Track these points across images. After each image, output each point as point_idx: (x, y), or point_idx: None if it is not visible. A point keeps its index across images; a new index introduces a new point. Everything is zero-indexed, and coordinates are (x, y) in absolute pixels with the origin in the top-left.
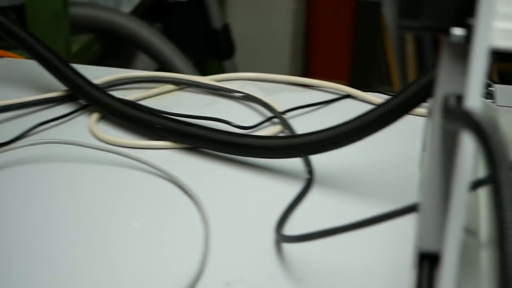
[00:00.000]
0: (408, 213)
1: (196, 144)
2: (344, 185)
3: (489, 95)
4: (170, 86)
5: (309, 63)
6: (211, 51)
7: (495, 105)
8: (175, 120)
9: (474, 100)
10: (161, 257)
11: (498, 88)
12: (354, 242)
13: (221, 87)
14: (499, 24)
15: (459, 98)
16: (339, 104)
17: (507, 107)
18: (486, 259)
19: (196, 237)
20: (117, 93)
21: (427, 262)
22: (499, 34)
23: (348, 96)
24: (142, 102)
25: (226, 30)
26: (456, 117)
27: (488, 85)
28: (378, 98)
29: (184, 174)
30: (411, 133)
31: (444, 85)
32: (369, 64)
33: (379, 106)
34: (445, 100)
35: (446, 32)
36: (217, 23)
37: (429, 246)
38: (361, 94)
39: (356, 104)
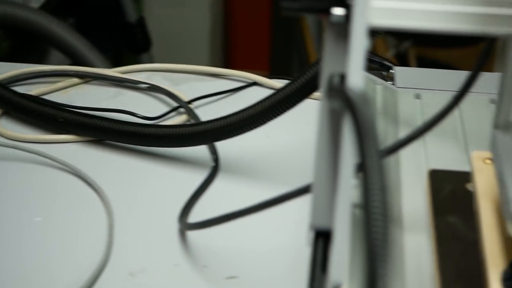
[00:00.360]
0: (303, 194)
1: (100, 136)
2: (249, 171)
3: (389, 77)
4: (75, 80)
5: (230, 54)
6: (127, 45)
7: (395, 87)
8: (78, 113)
9: (355, 78)
10: (64, 250)
11: (397, 70)
12: (257, 226)
13: (126, 78)
14: (377, 3)
15: (343, 77)
16: (246, 92)
17: (406, 88)
18: None
19: (100, 229)
20: (21, 88)
21: (322, 239)
22: (378, 12)
23: (254, 83)
24: (47, 97)
25: (141, 23)
26: (336, 95)
27: (389, 68)
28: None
29: (89, 166)
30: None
31: (329, 65)
32: (289, 52)
33: (279, 90)
34: (330, 79)
35: (327, 12)
36: (131, 17)
37: (322, 224)
38: (268, 81)
39: (263, 91)
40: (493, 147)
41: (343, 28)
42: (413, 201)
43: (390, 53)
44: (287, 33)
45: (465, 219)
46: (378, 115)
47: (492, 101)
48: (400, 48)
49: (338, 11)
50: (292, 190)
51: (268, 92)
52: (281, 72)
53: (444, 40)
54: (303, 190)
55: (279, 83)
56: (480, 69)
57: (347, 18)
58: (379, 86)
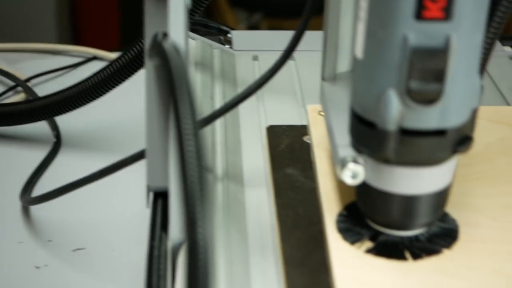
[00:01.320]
0: (140, 159)
1: None
2: (93, 144)
3: (227, 41)
4: None
5: (80, 34)
6: None
7: (232, 50)
8: None
9: (176, 35)
10: None
11: (234, 34)
12: (101, 196)
13: None
14: None
15: (165, 35)
16: (87, 67)
17: (244, 51)
18: (221, 192)
19: None
20: None
21: (161, 200)
22: None
23: (94, 58)
24: None
25: None
26: (154, 51)
27: (226, 32)
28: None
29: None
30: None
31: (151, 26)
32: (139, 28)
33: (112, 62)
34: (153, 39)
35: None
36: None
37: (160, 185)
38: (107, 55)
39: (103, 65)
40: (322, 98)
41: None
42: (253, 158)
43: (241, 26)
44: (137, 10)
45: (303, 169)
46: (217, 78)
47: None
48: (252, 20)
49: None
50: (128, 156)
51: None
52: None
53: (294, 10)
54: (140, 155)
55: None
56: (305, 28)
57: None
58: (216, 50)
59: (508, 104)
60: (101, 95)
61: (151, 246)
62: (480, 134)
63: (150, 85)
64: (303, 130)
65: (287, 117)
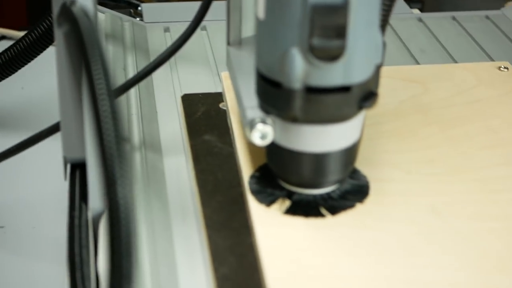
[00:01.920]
0: (55, 132)
1: None
2: (5, 124)
3: (137, 14)
4: None
5: None
6: None
7: (143, 23)
8: None
9: (84, 1)
10: None
11: (144, 7)
12: (18, 174)
13: None
14: None
15: (73, 2)
16: None
17: (155, 23)
18: (139, 161)
19: None
20: None
21: (79, 171)
22: None
23: (3, 37)
24: None
25: None
26: (63, 17)
27: (136, 5)
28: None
29: None
30: None
31: None
32: (46, 5)
33: (20, 40)
34: (62, 5)
35: None
36: None
37: (77, 156)
38: (17, 34)
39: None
40: (228, 62)
41: None
42: (169, 127)
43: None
44: None
45: (220, 136)
46: (128, 50)
47: None
48: None
49: None
50: (43, 130)
51: None
52: None
53: None
54: (55, 128)
55: None
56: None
57: None
58: (127, 22)
59: (418, 63)
60: (11, 73)
61: (72, 216)
62: (392, 93)
63: (60, 54)
64: (218, 97)
65: (202, 86)
